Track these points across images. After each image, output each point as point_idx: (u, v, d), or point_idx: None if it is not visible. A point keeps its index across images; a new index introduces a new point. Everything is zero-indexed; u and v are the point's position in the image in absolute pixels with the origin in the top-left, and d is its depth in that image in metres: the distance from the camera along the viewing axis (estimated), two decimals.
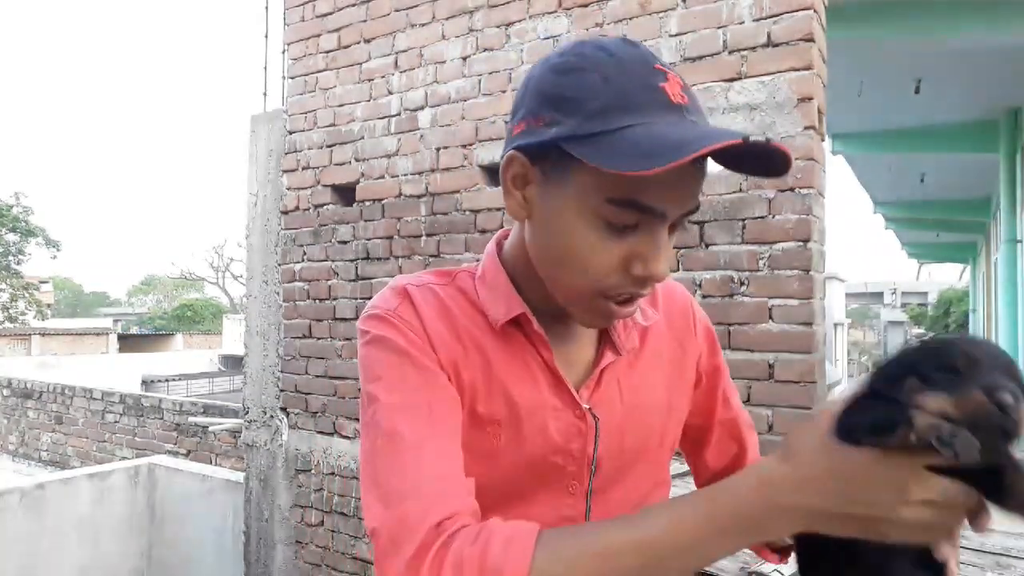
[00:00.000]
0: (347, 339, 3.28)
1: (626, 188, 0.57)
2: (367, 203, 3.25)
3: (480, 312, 0.70)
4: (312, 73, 3.47)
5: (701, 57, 2.38)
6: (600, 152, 0.56)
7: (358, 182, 3.28)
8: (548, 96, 0.60)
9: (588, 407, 0.70)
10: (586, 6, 2.62)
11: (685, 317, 0.80)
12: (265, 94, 3.84)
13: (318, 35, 3.45)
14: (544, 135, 0.60)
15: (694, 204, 0.62)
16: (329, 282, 3.38)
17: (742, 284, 2.29)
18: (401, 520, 0.55)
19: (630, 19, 2.52)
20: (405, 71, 3.14)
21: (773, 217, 2.24)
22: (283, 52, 3.62)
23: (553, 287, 0.66)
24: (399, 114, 3.16)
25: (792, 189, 2.21)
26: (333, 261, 3.37)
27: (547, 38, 2.71)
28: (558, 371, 0.70)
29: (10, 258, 25.78)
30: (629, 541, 0.53)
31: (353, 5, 3.32)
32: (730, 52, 2.33)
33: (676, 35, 2.43)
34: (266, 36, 3.89)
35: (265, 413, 3.60)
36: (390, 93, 3.19)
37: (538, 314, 0.70)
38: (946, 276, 38.68)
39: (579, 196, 0.60)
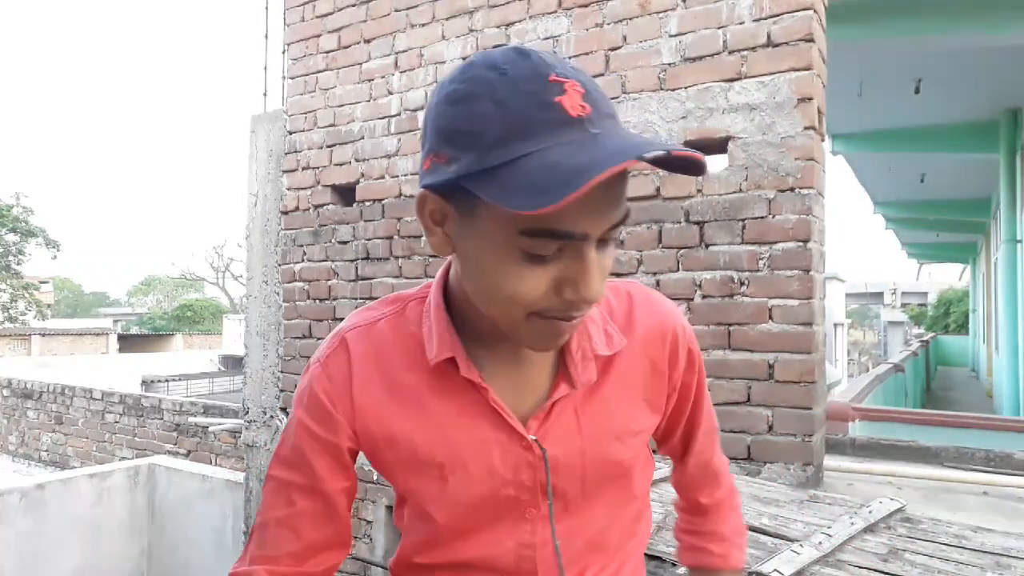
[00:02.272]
0: None
1: (537, 218, 0.54)
2: (367, 203, 3.25)
3: (422, 346, 0.71)
4: (312, 73, 3.47)
5: (701, 57, 2.38)
6: (498, 188, 0.53)
7: (358, 182, 3.28)
8: (444, 131, 0.58)
9: (534, 438, 0.69)
10: (586, 6, 2.62)
11: (663, 341, 0.77)
12: (265, 94, 3.84)
13: (318, 35, 3.45)
14: (447, 174, 0.57)
15: (619, 216, 0.59)
16: (329, 282, 3.38)
17: (742, 284, 2.29)
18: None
19: (630, 19, 2.52)
20: (405, 71, 3.14)
21: (773, 217, 2.24)
22: (283, 52, 3.62)
23: (491, 317, 0.64)
24: (399, 114, 3.16)
25: (792, 189, 2.21)
26: (333, 261, 3.37)
27: (547, 38, 2.71)
28: (499, 407, 0.69)
29: (10, 258, 25.74)
30: None
31: (353, 5, 3.33)
32: (730, 52, 2.33)
33: (676, 35, 2.43)
34: (266, 36, 3.89)
35: (265, 413, 3.60)
36: (390, 93, 3.19)
37: (486, 341, 0.70)
38: (946, 276, 38.71)
39: (493, 231, 0.58)
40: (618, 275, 2.52)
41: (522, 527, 0.71)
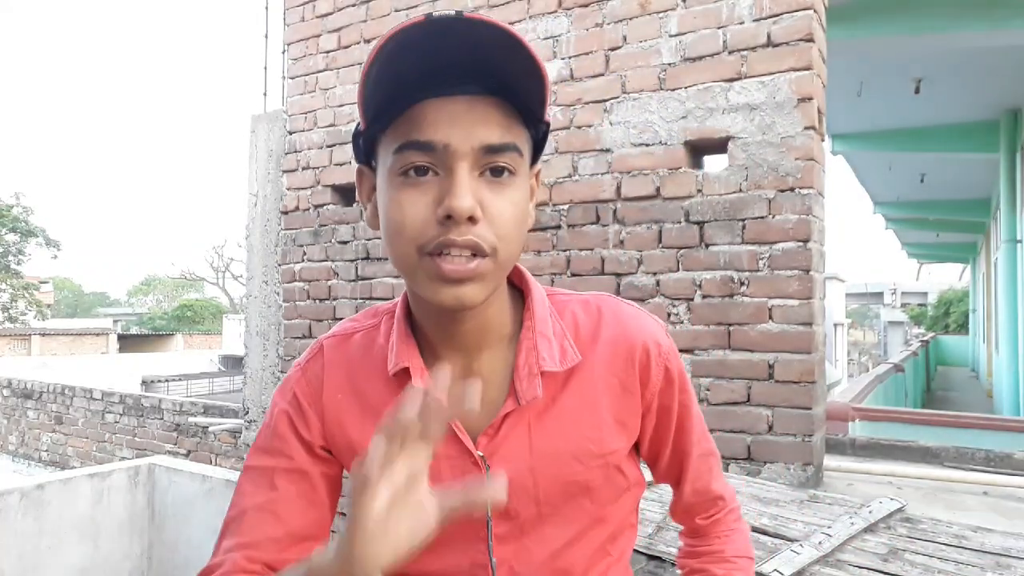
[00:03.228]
0: None
1: (403, 133, 0.60)
2: None
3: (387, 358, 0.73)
4: (312, 73, 3.47)
5: (701, 57, 2.38)
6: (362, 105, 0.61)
7: None
8: (359, 106, 0.64)
9: (481, 455, 0.69)
10: (586, 6, 2.62)
11: (631, 358, 0.73)
12: (265, 94, 3.84)
13: (318, 35, 3.45)
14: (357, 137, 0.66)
15: (490, 136, 0.60)
16: (329, 282, 3.38)
17: (742, 284, 2.29)
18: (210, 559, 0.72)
19: (630, 19, 2.52)
20: None
21: (773, 217, 2.24)
22: (283, 52, 3.62)
23: (401, 272, 0.65)
24: None
25: (792, 189, 2.21)
26: (333, 261, 3.37)
27: (547, 38, 2.71)
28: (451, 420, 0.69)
29: (10, 258, 25.74)
30: None
31: (353, 5, 3.33)
32: (730, 52, 2.33)
33: (676, 35, 2.43)
34: (266, 36, 3.89)
35: (265, 413, 3.60)
36: None
37: (440, 353, 0.70)
38: (946, 276, 38.72)
39: (383, 164, 0.63)
40: (618, 275, 2.52)
41: (477, 546, 0.71)
